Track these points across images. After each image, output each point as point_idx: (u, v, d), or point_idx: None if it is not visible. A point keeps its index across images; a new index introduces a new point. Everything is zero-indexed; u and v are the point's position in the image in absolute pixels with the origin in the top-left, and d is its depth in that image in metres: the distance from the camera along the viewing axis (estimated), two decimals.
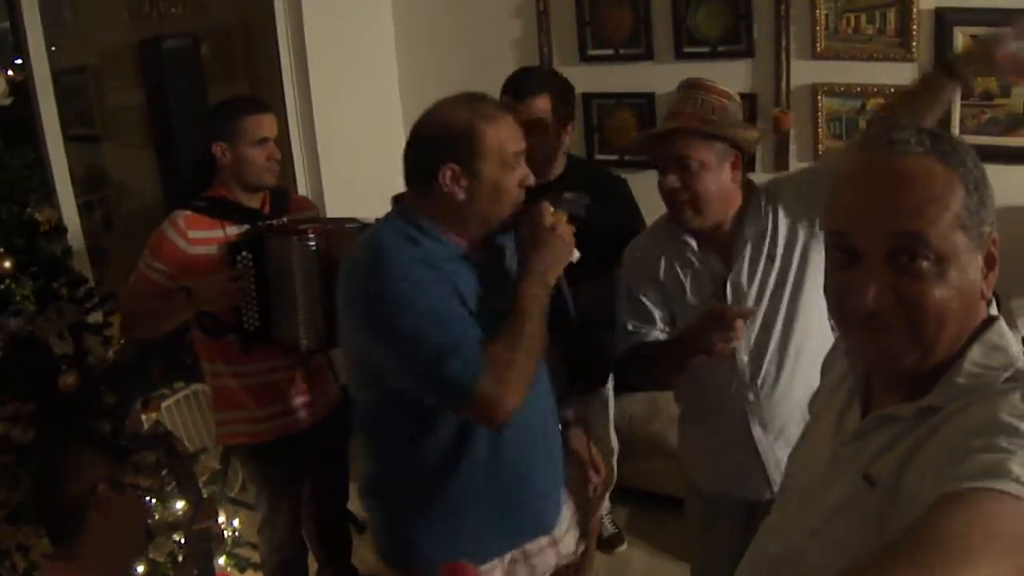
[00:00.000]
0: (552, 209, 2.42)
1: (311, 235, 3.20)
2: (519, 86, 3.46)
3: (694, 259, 2.80)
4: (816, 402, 1.82)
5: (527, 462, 2.58)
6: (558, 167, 3.55)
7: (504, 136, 2.35)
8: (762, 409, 2.80)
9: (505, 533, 2.63)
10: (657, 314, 2.85)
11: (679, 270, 2.83)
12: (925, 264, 1.34)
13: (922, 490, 1.28)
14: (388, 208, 3.40)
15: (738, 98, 2.79)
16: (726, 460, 2.92)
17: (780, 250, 2.71)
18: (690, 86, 2.76)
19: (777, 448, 2.80)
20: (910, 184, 1.35)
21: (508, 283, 2.44)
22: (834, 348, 1.86)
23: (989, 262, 1.41)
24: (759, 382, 2.78)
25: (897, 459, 1.39)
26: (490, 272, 2.46)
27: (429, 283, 2.29)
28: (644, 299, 2.86)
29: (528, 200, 2.43)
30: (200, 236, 3.34)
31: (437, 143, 2.33)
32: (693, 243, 2.79)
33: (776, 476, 2.82)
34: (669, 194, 2.70)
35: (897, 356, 1.40)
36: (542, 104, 3.44)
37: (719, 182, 2.67)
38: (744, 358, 2.77)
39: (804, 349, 2.73)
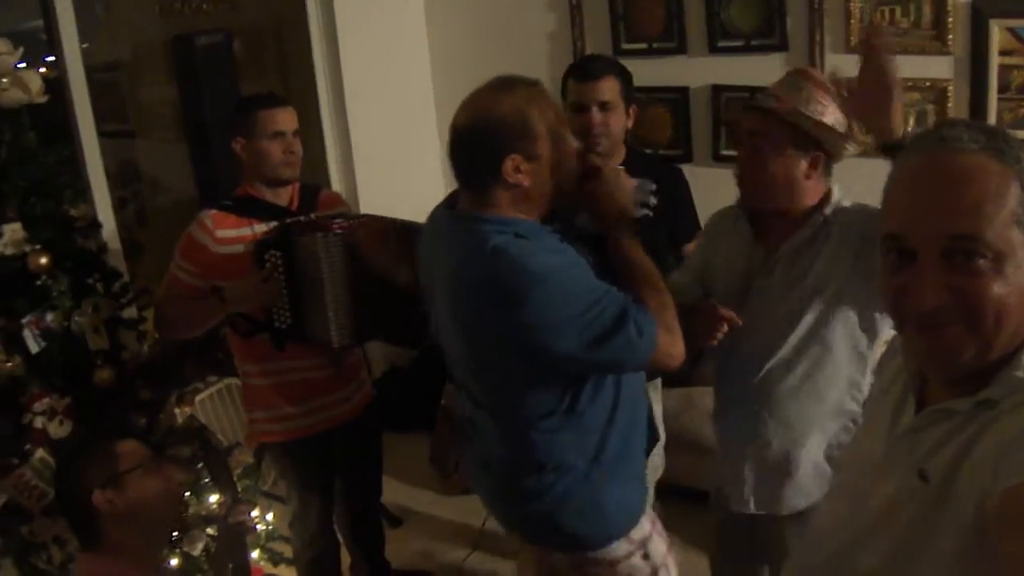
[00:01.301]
0: (597, 158, 2.49)
1: (338, 231, 3.20)
2: (585, 69, 3.45)
3: (742, 244, 2.80)
4: (868, 403, 1.80)
5: (641, 419, 2.66)
6: (619, 155, 3.48)
7: (549, 111, 2.37)
8: (766, 426, 2.79)
9: (637, 499, 2.67)
10: (687, 276, 2.92)
11: (726, 254, 2.86)
12: (982, 262, 1.33)
13: (977, 485, 1.27)
14: (422, 203, 3.40)
15: (842, 95, 2.63)
16: (724, 465, 2.95)
17: (819, 269, 2.64)
18: (796, 73, 2.70)
19: (750, 467, 2.84)
20: (965, 183, 1.34)
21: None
22: (888, 349, 1.84)
23: None
24: (764, 394, 2.77)
25: (952, 454, 1.37)
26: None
27: (569, 265, 2.32)
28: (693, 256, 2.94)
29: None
30: (228, 235, 3.35)
31: (494, 138, 2.30)
32: (749, 229, 2.78)
33: (741, 493, 2.89)
34: (738, 167, 2.72)
35: (956, 354, 1.38)
36: (608, 85, 3.39)
37: (788, 171, 2.61)
38: (754, 372, 2.76)
39: (817, 376, 2.71)
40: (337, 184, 5.36)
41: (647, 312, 2.33)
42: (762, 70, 4.63)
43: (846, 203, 2.67)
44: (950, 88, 4.27)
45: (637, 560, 2.58)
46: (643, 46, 5.04)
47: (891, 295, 1.43)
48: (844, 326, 2.66)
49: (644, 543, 2.59)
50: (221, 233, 3.34)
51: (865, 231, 2.52)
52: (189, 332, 3.46)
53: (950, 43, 4.23)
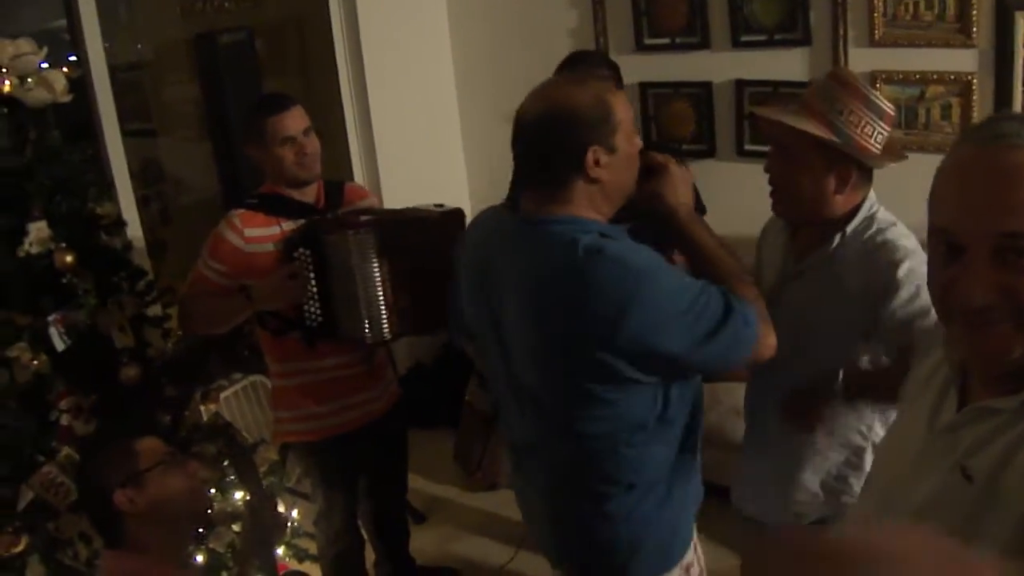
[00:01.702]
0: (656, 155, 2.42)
1: (367, 228, 3.19)
2: (578, 62, 3.46)
3: (779, 250, 2.74)
4: (905, 392, 1.78)
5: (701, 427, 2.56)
6: None
7: (626, 106, 2.28)
8: (771, 436, 2.77)
9: (692, 518, 2.61)
10: None
11: (767, 257, 2.82)
12: None
13: (1022, 487, 1.25)
14: (445, 197, 3.39)
15: (884, 108, 2.48)
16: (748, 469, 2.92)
17: (833, 292, 2.54)
18: (834, 79, 2.52)
19: (754, 471, 2.84)
20: (1017, 181, 1.31)
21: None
22: (925, 347, 1.80)
23: None
24: (775, 405, 2.71)
25: (997, 455, 1.35)
26: None
27: (662, 261, 2.22)
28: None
29: None
30: (257, 234, 3.34)
31: (576, 127, 2.17)
32: (785, 235, 2.72)
33: (743, 492, 2.89)
34: (769, 176, 2.59)
35: (1003, 352, 1.36)
36: (603, 77, 3.39)
37: (816, 186, 2.49)
38: (770, 379, 2.69)
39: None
40: (360, 179, 5.36)
41: (747, 302, 2.23)
42: (785, 64, 4.63)
43: (881, 216, 2.54)
44: (975, 81, 4.24)
45: None
46: (666, 41, 5.02)
47: (939, 289, 1.41)
48: (846, 351, 2.58)
49: (688, 568, 2.53)
50: (250, 232, 3.34)
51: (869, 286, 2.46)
52: (213, 329, 3.46)
53: (974, 36, 4.20)
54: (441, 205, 3.42)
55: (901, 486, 1.54)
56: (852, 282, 2.50)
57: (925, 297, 2.19)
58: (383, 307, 3.22)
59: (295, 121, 3.33)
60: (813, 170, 2.47)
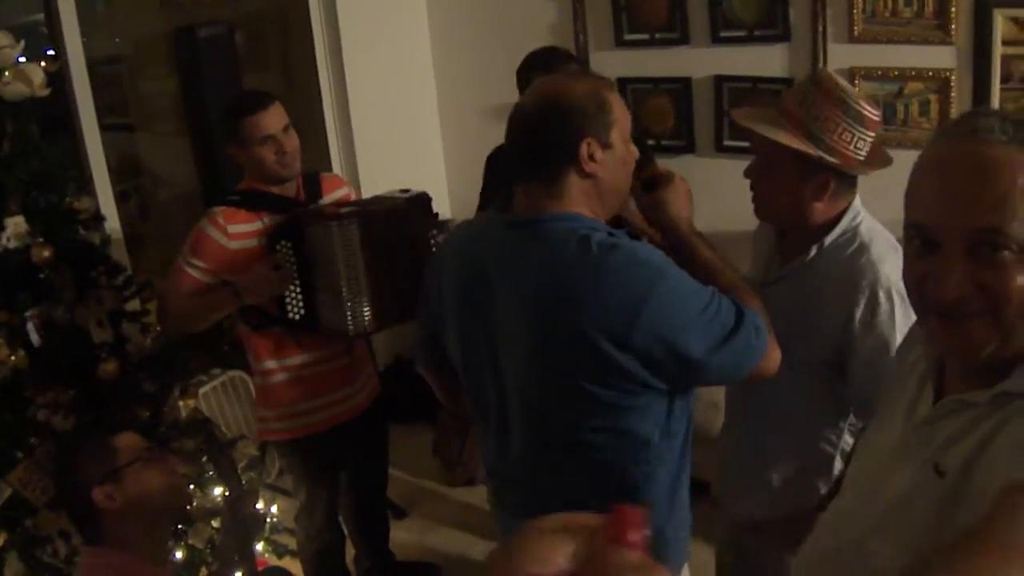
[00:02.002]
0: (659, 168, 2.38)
1: (350, 219, 3.19)
2: (549, 61, 3.50)
3: (766, 251, 2.70)
4: (885, 390, 1.78)
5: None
6: None
7: (623, 107, 2.22)
8: (740, 432, 2.79)
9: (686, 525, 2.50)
10: None
11: (758, 251, 2.78)
12: (1007, 254, 1.32)
13: (993, 480, 1.25)
14: (423, 189, 3.36)
15: (864, 111, 2.38)
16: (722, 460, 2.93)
17: (804, 308, 2.48)
18: (813, 83, 2.44)
19: (727, 466, 2.85)
20: (992, 176, 1.32)
21: None
22: (906, 340, 1.82)
23: None
24: (744, 402, 2.75)
25: (968, 448, 1.37)
26: None
27: (672, 262, 2.15)
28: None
29: None
30: (240, 230, 3.33)
31: (570, 119, 2.12)
32: (775, 236, 2.67)
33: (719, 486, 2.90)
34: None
35: (978, 345, 1.37)
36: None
37: (792, 193, 2.44)
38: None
39: (786, 405, 2.57)
40: (339, 172, 5.35)
41: (755, 311, 2.16)
42: (765, 60, 4.64)
43: (865, 228, 2.47)
44: (953, 78, 4.25)
45: None
46: (645, 37, 5.02)
47: (913, 282, 1.43)
48: (817, 360, 2.52)
49: None
50: (234, 229, 3.32)
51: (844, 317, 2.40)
52: (196, 326, 3.45)
53: (953, 33, 4.21)
54: (407, 190, 3.43)
55: (877, 480, 1.55)
56: (827, 300, 2.45)
57: (893, 332, 2.31)
58: (365, 299, 3.22)
59: (274, 119, 3.31)
60: (789, 177, 2.42)
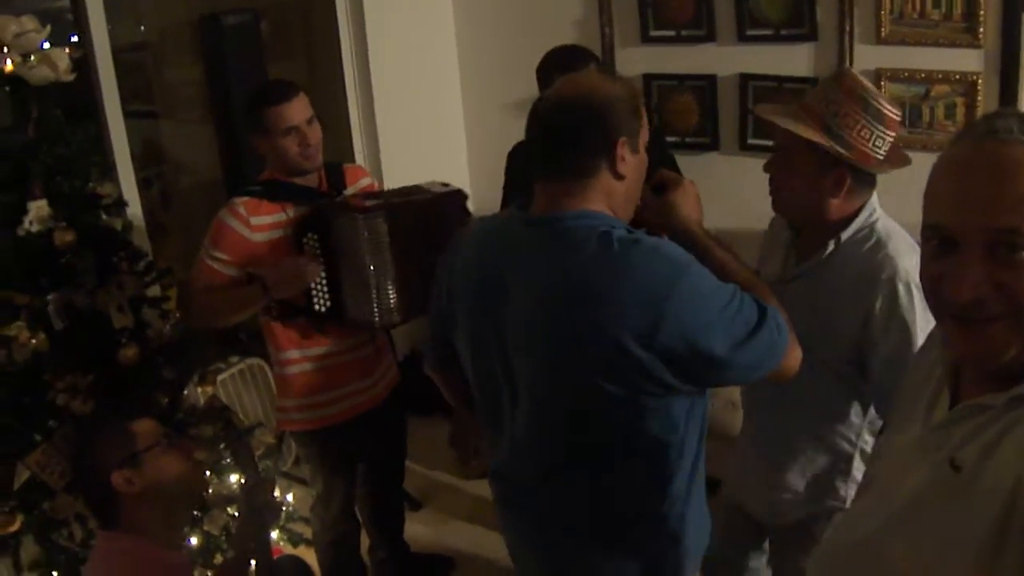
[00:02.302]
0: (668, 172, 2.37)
1: (378, 212, 3.18)
2: (569, 60, 3.49)
3: (782, 248, 2.70)
4: (901, 395, 1.77)
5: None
6: None
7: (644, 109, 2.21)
8: (762, 432, 2.81)
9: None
10: None
11: (769, 250, 2.80)
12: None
13: (1004, 478, 1.26)
14: (446, 180, 3.36)
15: (884, 109, 2.42)
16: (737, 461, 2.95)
17: (820, 306, 2.49)
18: (836, 80, 2.47)
19: (746, 466, 2.87)
20: (1011, 176, 1.32)
21: None
22: (925, 344, 1.81)
23: None
24: (765, 403, 2.75)
25: (982, 446, 1.36)
26: None
27: (693, 258, 2.09)
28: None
29: None
30: (263, 222, 3.31)
31: (611, 116, 2.09)
32: (789, 233, 2.68)
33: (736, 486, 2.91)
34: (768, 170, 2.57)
35: (997, 350, 1.36)
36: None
37: (810, 188, 2.46)
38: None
39: (807, 402, 2.58)
40: (362, 162, 5.35)
41: (776, 309, 2.13)
42: (791, 60, 4.62)
43: (881, 226, 2.49)
44: (980, 81, 4.23)
45: None
46: (671, 33, 5.01)
47: (930, 283, 1.42)
48: (836, 358, 2.53)
49: None
50: (256, 221, 3.30)
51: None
52: (225, 322, 3.45)
53: (981, 36, 4.18)
54: (447, 185, 3.42)
55: (894, 480, 1.54)
56: (845, 296, 2.46)
57: (915, 326, 2.32)
58: (392, 291, 3.21)
59: (298, 111, 3.29)
60: (806, 172, 2.45)
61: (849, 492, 2.62)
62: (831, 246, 2.49)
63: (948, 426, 1.46)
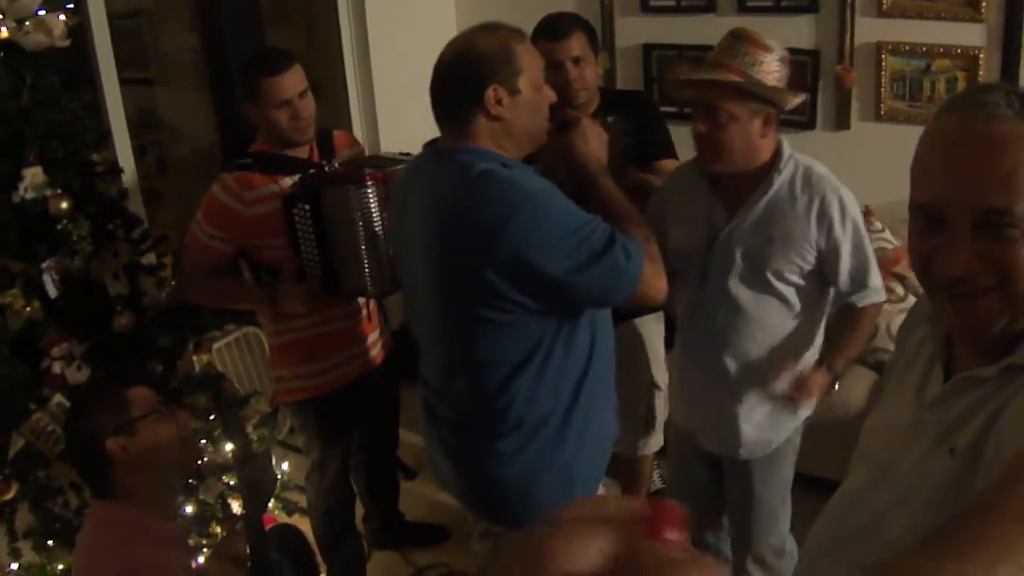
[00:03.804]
0: (571, 112, 2.62)
1: (369, 182, 3.17)
2: (554, 28, 3.51)
3: (701, 203, 2.91)
4: (891, 370, 1.79)
5: (609, 379, 2.66)
6: (595, 102, 3.60)
7: (533, 56, 2.45)
8: (727, 370, 2.96)
9: (599, 466, 2.72)
10: None
11: (683, 209, 2.98)
12: (1013, 231, 1.32)
13: (1001, 452, 1.26)
14: None
15: (782, 52, 2.79)
16: (699, 405, 3.13)
17: (778, 235, 2.80)
18: (735, 36, 2.77)
19: (713, 409, 3.04)
20: (997, 153, 1.32)
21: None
22: (910, 315, 1.83)
23: None
24: (724, 340, 2.95)
25: (979, 425, 1.37)
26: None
27: (555, 190, 2.35)
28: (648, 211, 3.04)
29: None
30: (256, 195, 3.30)
31: (476, 68, 2.36)
32: (707, 187, 2.90)
33: (707, 433, 3.10)
34: (696, 138, 2.78)
35: (988, 322, 1.38)
36: (577, 40, 3.50)
37: (745, 135, 2.73)
38: (717, 319, 2.94)
39: (772, 323, 2.91)
40: (359, 132, 5.33)
41: (634, 240, 2.36)
42: (791, 31, 4.59)
43: (801, 159, 2.83)
44: (981, 56, 4.21)
45: None
46: (671, 3, 4.98)
47: (920, 260, 1.42)
48: (798, 282, 2.84)
49: None
50: (250, 195, 3.29)
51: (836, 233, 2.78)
52: (220, 306, 3.58)
53: (983, 10, 4.16)
54: (407, 154, 3.43)
55: (892, 458, 1.56)
56: (799, 218, 2.78)
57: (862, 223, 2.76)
58: (385, 259, 3.21)
59: (292, 83, 3.27)
60: (740, 120, 2.70)
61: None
62: (777, 181, 2.79)
63: (944, 400, 1.47)
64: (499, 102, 2.36)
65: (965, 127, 1.37)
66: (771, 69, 2.72)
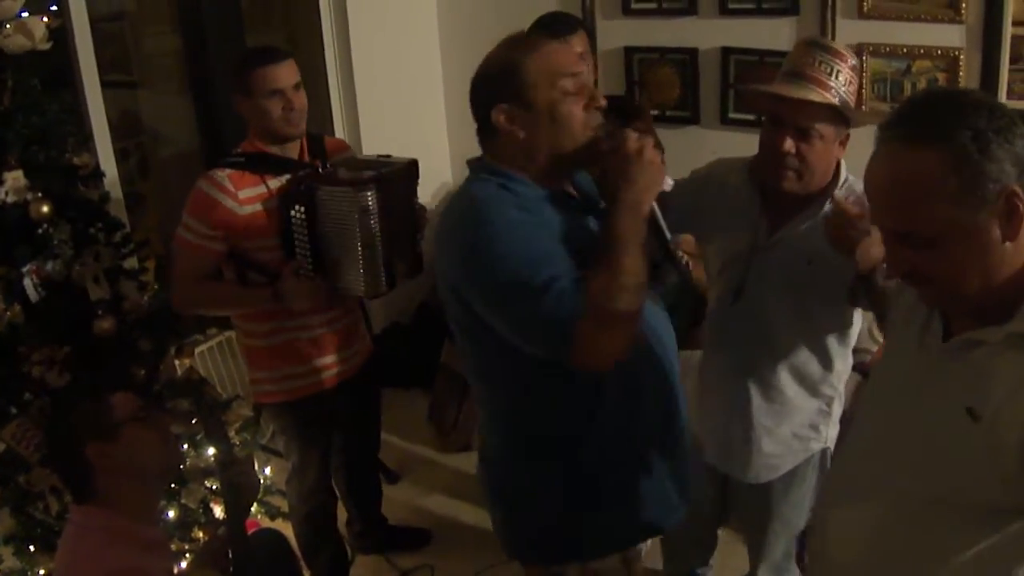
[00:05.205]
0: (636, 134, 2.24)
1: (368, 185, 3.16)
2: (555, 27, 3.44)
3: (748, 214, 2.74)
4: (892, 319, 2.01)
5: (662, 429, 2.48)
6: None
7: (550, 61, 2.25)
8: (748, 396, 2.87)
9: (629, 521, 2.53)
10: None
11: (727, 216, 2.80)
12: (922, 244, 1.58)
13: (1016, 424, 1.50)
14: (426, 153, 3.39)
15: (855, 60, 2.61)
16: (713, 421, 3.01)
17: (818, 257, 2.58)
18: (818, 47, 2.57)
19: (728, 430, 2.93)
20: (900, 188, 1.58)
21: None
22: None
23: (1010, 214, 1.54)
24: (750, 365, 2.85)
25: (1001, 393, 1.55)
26: (582, 216, 2.38)
27: (522, 225, 2.18)
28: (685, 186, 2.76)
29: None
30: (250, 194, 3.26)
31: (484, 89, 2.31)
32: (758, 199, 2.74)
33: (716, 449, 3.00)
34: (781, 155, 2.55)
35: (942, 301, 1.70)
36: (579, 41, 3.47)
37: (828, 156, 2.60)
38: (743, 342, 2.83)
39: (800, 354, 2.79)
40: (341, 134, 5.34)
41: (579, 297, 2.09)
42: (772, 33, 4.60)
43: (853, 179, 2.67)
44: (962, 57, 4.22)
45: None
46: (653, 5, 4.98)
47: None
48: (831, 308, 2.73)
49: None
50: (243, 194, 3.25)
51: None
52: (223, 313, 3.53)
53: (963, 11, 4.18)
54: (388, 156, 3.43)
55: (900, 419, 1.74)
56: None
57: None
58: (380, 261, 3.20)
59: (286, 74, 3.26)
60: (827, 140, 2.56)
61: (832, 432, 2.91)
62: (828, 204, 2.58)
63: (947, 360, 1.66)
64: (511, 120, 2.24)
65: (883, 159, 1.61)
66: (853, 86, 2.59)
